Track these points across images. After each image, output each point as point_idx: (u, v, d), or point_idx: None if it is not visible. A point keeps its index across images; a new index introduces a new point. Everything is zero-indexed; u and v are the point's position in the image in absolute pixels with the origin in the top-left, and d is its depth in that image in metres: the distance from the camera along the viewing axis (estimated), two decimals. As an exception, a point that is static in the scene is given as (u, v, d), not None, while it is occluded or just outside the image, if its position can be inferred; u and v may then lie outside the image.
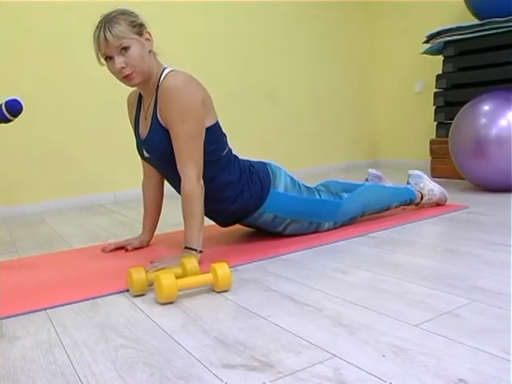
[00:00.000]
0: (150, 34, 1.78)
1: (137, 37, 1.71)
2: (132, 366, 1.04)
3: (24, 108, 1.80)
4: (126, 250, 2.02)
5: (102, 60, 1.74)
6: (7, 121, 1.79)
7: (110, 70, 1.75)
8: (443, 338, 1.08)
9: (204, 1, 3.87)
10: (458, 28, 3.40)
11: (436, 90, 3.66)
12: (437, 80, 3.62)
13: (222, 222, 2.08)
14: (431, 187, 2.46)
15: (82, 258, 1.98)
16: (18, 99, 1.78)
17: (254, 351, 1.08)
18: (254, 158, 2.09)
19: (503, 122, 2.72)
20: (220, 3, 3.95)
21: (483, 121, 2.77)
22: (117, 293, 1.54)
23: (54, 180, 3.34)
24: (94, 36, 1.71)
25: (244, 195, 1.92)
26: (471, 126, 2.82)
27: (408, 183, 2.47)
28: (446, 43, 3.55)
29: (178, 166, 1.74)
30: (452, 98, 3.51)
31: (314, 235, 2.06)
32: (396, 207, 2.35)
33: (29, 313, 1.41)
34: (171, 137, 1.74)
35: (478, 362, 0.97)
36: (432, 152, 3.60)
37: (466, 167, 2.91)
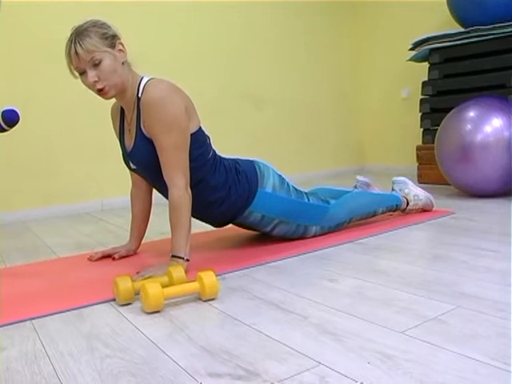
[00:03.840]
0: (123, 45, 1.74)
1: (109, 49, 1.68)
2: (118, 377, 1.04)
3: (20, 118, 1.79)
4: (113, 258, 2.01)
5: (76, 73, 1.71)
6: (2, 130, 1.78)
7: (83, 83, 1.72)
8: (429, 344, 1.08)
9: (190, 8, 3.88)
10: (444, 35, 3.44)
11: (422, 96, 3.70)
12: (423, 87, 3.65)
13: (213, 223, 2.07)
14: (416, 193, 2.47)
15: (68, 267, 1.97)
16: (16, 110, 1.77)
17: (240, 360, 1.07)
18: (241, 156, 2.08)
19: (488, 128, 2.75)
20: (207, 11, 3.96)
21: (468, 127, 2.80)
22: (103, 302, 1.53)
23: (40, 188, 3.32)
24: (66, 49, 1.68)
25: (231, 196, 1.92)
26: (457, 132, 2.85)
27: (393, 190, 2.49)
28: (432, 50, 3.58)
29: (165, 176, 1.73)
30: (438, 104, 3.55)
31: (301, 242, 2.07)
32: (383, 213, 2.36)
33: (14, 323, 1.40)
34: (156, 148, 1.73)
35: (464, 368, 0.97)
36: (418, 158, 3.63)
37: (451, 173, 2.94)
